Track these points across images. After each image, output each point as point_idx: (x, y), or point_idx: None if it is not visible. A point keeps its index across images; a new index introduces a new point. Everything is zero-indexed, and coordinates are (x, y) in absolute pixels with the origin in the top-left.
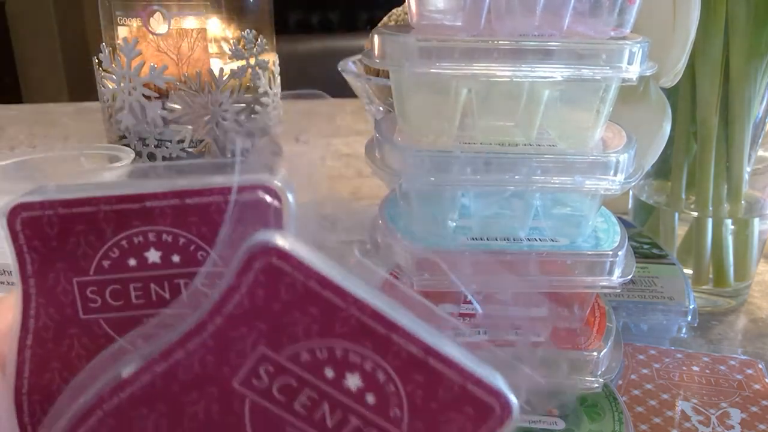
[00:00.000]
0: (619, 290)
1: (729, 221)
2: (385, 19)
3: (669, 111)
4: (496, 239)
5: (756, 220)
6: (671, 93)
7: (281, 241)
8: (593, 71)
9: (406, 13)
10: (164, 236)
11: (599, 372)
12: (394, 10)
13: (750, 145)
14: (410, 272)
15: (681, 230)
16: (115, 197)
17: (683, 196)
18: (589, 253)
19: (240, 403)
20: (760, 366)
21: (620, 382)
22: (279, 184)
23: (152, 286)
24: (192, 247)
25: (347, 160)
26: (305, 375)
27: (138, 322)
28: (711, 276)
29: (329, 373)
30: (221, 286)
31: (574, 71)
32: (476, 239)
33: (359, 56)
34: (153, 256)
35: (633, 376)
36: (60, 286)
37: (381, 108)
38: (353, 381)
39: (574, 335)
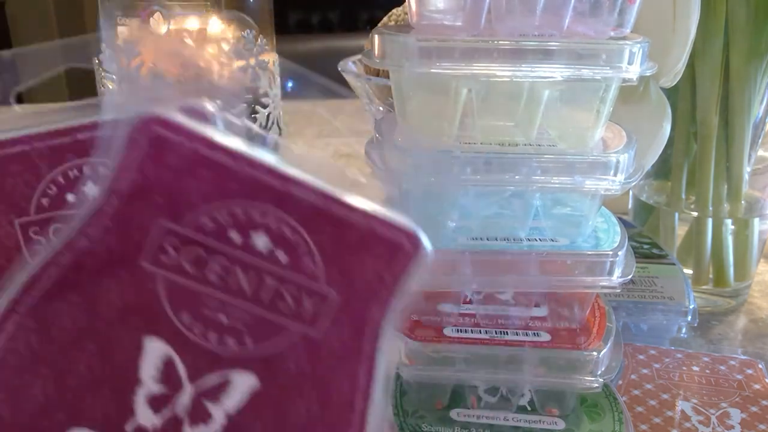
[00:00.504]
0: (619, 290)
1: (729, 221)
2: (385, 19)
3: (669, 111)
4: (496, 239)
5: (756, 220)
6: (671, 93)
7: (162, 112)
8: (593, 71)
9: (406, 13)
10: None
11: (599, 372)
12: (394, 10)
13: (750, 145)
14: None
15: (681, 230)
16: (46, 133)
17: (683, 196)
18: (589, 253)
19: (153, 283)
20: (760, 366)
21: (620, 382)
22: (205, 105)
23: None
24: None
25: (347, 160)
26: (211, 242)
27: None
28: (711, 276)
29: (235, 236)
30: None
31: (574, 71)
32: (476, 239)
33: (359, 56)
34: (261, 242)
35: (633, 376)
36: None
37: (381, 108)
38: (261, 241)
39: (574, 335)
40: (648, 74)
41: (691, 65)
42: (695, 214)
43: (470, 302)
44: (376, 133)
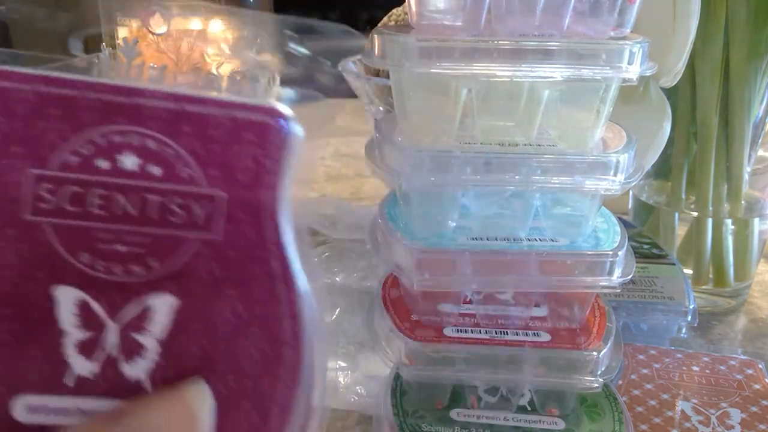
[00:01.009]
0: (619, 290)
1: (729, 221)
2: (385, 19)
3: (669, 111)
4: (497, 239)
5: (756, 220)
6: (671, 93)
7: None
8: (593, 71)
9: (406, 13)
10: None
11: (599, 372)
12: (394, 10)
13: (750, 145)
14: (410, 272)
15: (681, 230)
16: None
17: (683, 196)
18: (589, 253)
19: (41, 232)
20: (760, 366)
21: (620, 382)
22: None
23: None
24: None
25: (347, 160)
26: (82, 177)
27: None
28: (711, 276)
29: (103, 164)
30: None
31: (574, 71)
32: (476, 239)
33: (359, 56)
34: (129, 162)
35: (633, 376)
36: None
37: (381, 108)
38: (130, 161)
39: (574, 335)
40: (648, 74)
41: (691, 65)
42: (695, 214)
43: (470, 302)
44: (376, 133)
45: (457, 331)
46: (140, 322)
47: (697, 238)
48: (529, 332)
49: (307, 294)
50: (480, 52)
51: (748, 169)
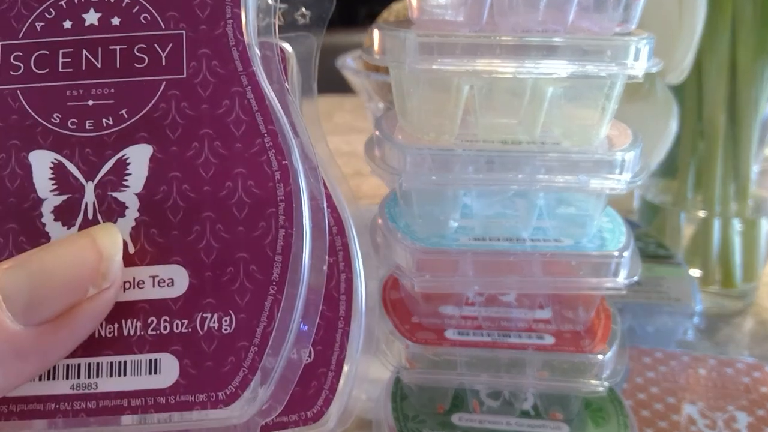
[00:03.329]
0: (624, 292)
1: (736, 221)
2: (384, 14)
3: (675, 109)
4: (499, 239)
5: (764, 220)
6: (678, 90)
7: None
8: (598, 68)
9: (406, 8)
10: None
11: (604, 375)
12: (394, 5)
13: (757, 143)
14: (411, 273)
15: (688, 230)
16: None
17: (690, 196)
18: (594, 253)
19: (13, 100)
20: (767, 369)
21: (625, 385)
22: None
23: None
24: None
25: (346, 158)
26: (49, 40)
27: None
28: (718, 277)
29: (68, 24)
30: None
31: (579, 68)
32: (478, 239)
33: (359, 52)
34: (91, 17)
35: (638, 380)
36: None
37: (381, 105)
38: (91, 17)
39: (578, 338)
40: (654, 71)
41: (697, 62)
42: (702, 213)
43: (472, 304)
44: (375, 130)
45: (459, 333)
46: (117, 178)
47: (704, 238)
48: (533, 335)
49: (289, 122)
50: (482, 48)
51: (756, 168)
